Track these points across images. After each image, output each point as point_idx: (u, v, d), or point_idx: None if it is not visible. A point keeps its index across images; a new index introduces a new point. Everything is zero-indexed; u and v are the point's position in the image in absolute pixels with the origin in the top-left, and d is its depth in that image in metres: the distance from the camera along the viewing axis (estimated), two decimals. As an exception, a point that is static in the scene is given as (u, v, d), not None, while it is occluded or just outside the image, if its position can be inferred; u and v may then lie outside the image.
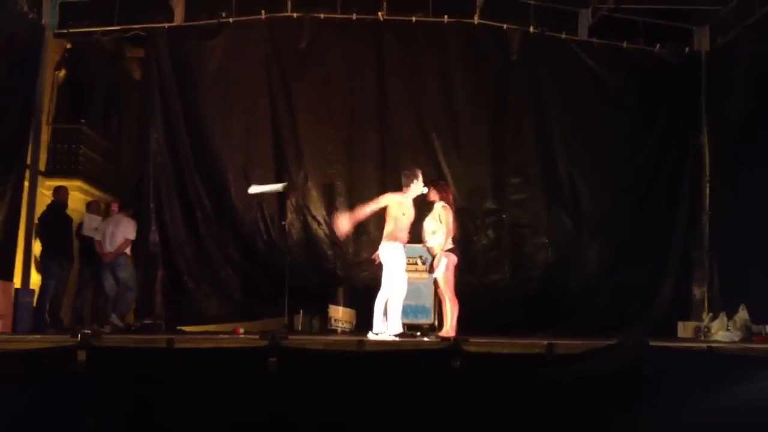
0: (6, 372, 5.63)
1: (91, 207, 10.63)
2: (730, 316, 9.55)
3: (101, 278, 9.91)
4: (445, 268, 8.03)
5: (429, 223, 8.18)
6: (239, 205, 11.25)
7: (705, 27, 12.05)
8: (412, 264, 9.59)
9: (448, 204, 8.19)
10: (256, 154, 11.38)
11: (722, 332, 9.38)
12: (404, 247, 7.99)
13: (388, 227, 7.98)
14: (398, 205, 7.98)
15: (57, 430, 5.39)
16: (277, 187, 10.24)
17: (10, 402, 5.41)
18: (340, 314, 10.41)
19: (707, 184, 11.74)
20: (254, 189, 10.21)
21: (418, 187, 8.13)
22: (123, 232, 9.82)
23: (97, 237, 9.92)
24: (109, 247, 9.76)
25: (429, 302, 10.06)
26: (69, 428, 5.38)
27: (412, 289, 9.45)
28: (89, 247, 9.94)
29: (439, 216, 8.10)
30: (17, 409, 5.38)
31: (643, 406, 5.84)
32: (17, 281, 10.35)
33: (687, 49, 12.08)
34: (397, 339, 7.48)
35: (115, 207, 10.34)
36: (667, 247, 11.63)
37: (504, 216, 11.55)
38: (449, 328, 7.96)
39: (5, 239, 10.07)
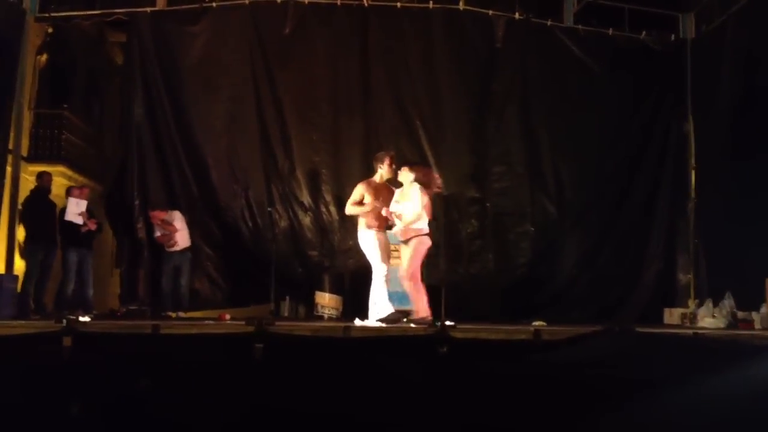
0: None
1: (72, 192, 10.48)
2: (716, 303, 9.60)
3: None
4: (413, 250, 7.93)
5: (400, 205, 8.01)
6: (223, 192, 11.20)
7: (691, 14, 12.05)
8: (397, 250, 9.59)
9: (425, 187, 8.06)
10: (240, 140, 11.31)
11: (708, 319, 9.42)
12: (379, 233, 7.99)
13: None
14: (368, 191, 8.04)
15: (42, 414, 5.35)
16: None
17: (-6, 388, 5.37)
18: (326, 301, 10.41)
19: (693, 172, 11.76)
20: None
21: (384, 171, 8.11)
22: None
23: (157, 232, 10.36)
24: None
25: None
26: (54, 413, 5.34)
27: (399, 276, 9.45)
28: (73, 233, 9.85)
29: (413, 197, 7.94)
30: (1, 395, 5.34)
31: (629, 392, 5.86)
32: (1, 267, 10.27)
33: (673, 36, 12.08)
34: (382, 324, 7.45)
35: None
36: (652, 235, 11.66)
37: (488, 204, 11.52)
38: (421, 310, 7.85)
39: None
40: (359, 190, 8.16)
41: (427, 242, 8.03)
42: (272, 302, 10.26)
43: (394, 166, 8.19)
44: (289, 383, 5.74)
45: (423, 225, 7.96)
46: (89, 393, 5.45)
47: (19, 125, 11.27)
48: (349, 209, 8.21)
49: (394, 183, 8.34)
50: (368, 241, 7.97)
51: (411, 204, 7.89)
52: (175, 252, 10.38)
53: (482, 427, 5.86)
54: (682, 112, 11.87)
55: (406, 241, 7.97)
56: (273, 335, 6.02)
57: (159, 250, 10.58)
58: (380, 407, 5.77)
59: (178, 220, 10.48)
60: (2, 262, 10.61)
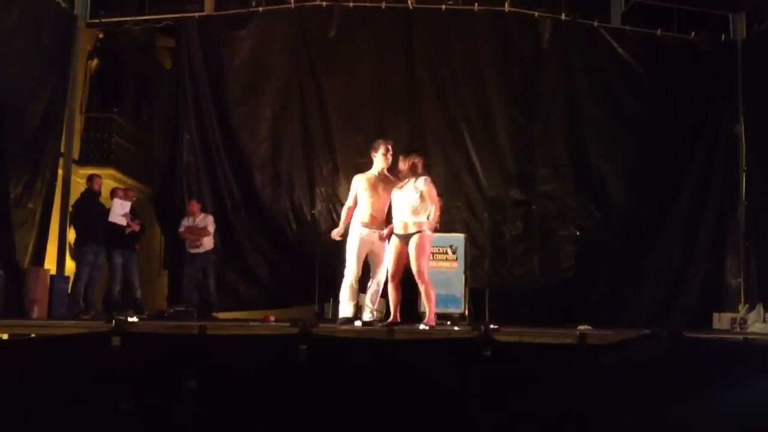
0: (42, 356, 5.72)
1: (116, 193, 10.60)
2: (767, 308, 9.40)
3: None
4: (423, 246, 7.04)
5: (407, 199, 7.08)
6: (267, 195, 11.32)
7: (741, 14, 11.82)
8: (442, 253, 9.59)
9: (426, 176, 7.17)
10: (285, 142, 11.44)
11: (759, 324, 9.23)
12: (369, 230, 7.24)
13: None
14: (361, 184, 7.37)
15: (91, 414, 5.46)
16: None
17: (45, 386, 5.50)
18: (369, 303, 10.39)
19: (743, 174, 11.51)
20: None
21: (379, 161, 7.39)
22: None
23: (182, 227, 10.52)
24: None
25: (459, 291, 9.93)
26: (103, 412, 5.44)
27: (443, 279, 9.43)
28: (117, 234, 10.01)
29: (420, 190, 7.03)
30: (52, 393, 5.46)
31: (677, 398, 5.77)
32: (53, 268, 10.49)
33: (723, 36, 11.86)
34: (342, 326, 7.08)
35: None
36: (700, 238, 11.46)
37: (533, 207, 11.46)
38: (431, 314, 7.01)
39: (41, 227, 10.22)
40: (353, 185, 7.46)
41: (429, 238, 7.12)
42: (316, 304, 10.32)
43: (389, 155, 7.41)
44: (333, 385, 5.77)
45: (423, 218, 7.06)
46: (137, 392, 5.54)
47: (70, 129, 11.53)
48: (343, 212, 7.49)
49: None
50: (351, 237, 7.24)
51: (408, 196, 7.09)
52: (199, 254, 10.46)
53: (525, 429, 5.84)
54: (733, 113, 11.63)
55: (405, 238, 7.05)
56: (317, 337, 6.05)
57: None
58: (422, 408, 5.77)
59: (211, 225, 10.58)
60: (54, 263, 10.83)
